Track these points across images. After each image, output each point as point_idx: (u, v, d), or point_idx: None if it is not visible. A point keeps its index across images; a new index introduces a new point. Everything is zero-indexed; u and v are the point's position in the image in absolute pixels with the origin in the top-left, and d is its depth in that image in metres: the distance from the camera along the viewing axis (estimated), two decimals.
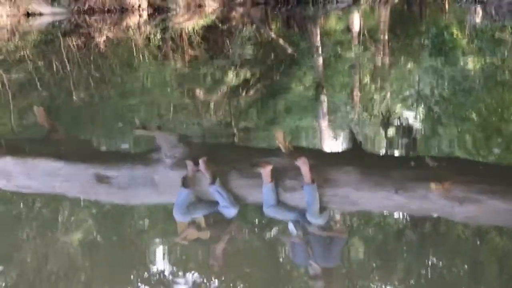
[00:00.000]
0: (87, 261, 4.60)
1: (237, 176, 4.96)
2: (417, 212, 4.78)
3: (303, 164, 4.82)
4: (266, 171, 4.88)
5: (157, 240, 4.91)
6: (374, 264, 4.47)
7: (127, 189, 5.00)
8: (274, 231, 4.93)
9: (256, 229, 4.98)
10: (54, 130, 6.15)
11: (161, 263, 4.56)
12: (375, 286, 4.21)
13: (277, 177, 4.86)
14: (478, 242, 4.62)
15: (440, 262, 4.34)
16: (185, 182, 4.96)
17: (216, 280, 4.30)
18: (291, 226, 4.75)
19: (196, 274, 4.36)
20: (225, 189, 4.92)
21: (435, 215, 4.71)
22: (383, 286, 4.19)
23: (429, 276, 4.21)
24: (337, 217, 5.00)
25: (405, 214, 4.95)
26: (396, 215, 5.02)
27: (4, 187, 5.51)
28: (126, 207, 5.26)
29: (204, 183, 4.96)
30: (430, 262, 4.37)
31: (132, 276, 4.39)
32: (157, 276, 4.41)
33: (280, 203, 4.87)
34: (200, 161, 4.94)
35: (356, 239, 4.74)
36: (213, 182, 4.91)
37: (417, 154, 6.41)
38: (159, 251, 4.74)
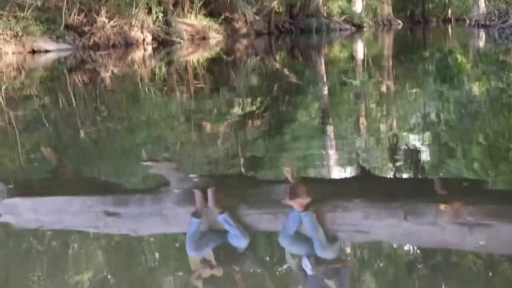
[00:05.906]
0: None
1: (246, 206, 4.93)
2: (427, 241, 4.72)
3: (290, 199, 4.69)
4: (298, 202, 4.69)
5: (170, 276, 4.85)
6: None
7: (136, 221, 5.00)
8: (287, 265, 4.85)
9: (268, 264, 4.88)
10: (61, 165, 6.15)
11: None
12: None
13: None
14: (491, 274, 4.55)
15: None
16: (195, 213, 4.95)
17: None
18: (305, 261, 4.60)
19: None
20: (234, 219, 4.87)
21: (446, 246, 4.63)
22: None
23: None
24: (348, 250, 4.93)
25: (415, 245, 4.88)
26: (406, 247, 4.94)
27: (13, 224, 5.51)
28: (136, 240, 5.23)
29: (213, 214, 4.93)
30: None
31: None
32: None
33: (296, 233, 4.78)
34: (209, 191, 4.91)
35: (366, 271, 4.68)
36: (222, 212, 4.88)
37: (426, 178, 6.39)
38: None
